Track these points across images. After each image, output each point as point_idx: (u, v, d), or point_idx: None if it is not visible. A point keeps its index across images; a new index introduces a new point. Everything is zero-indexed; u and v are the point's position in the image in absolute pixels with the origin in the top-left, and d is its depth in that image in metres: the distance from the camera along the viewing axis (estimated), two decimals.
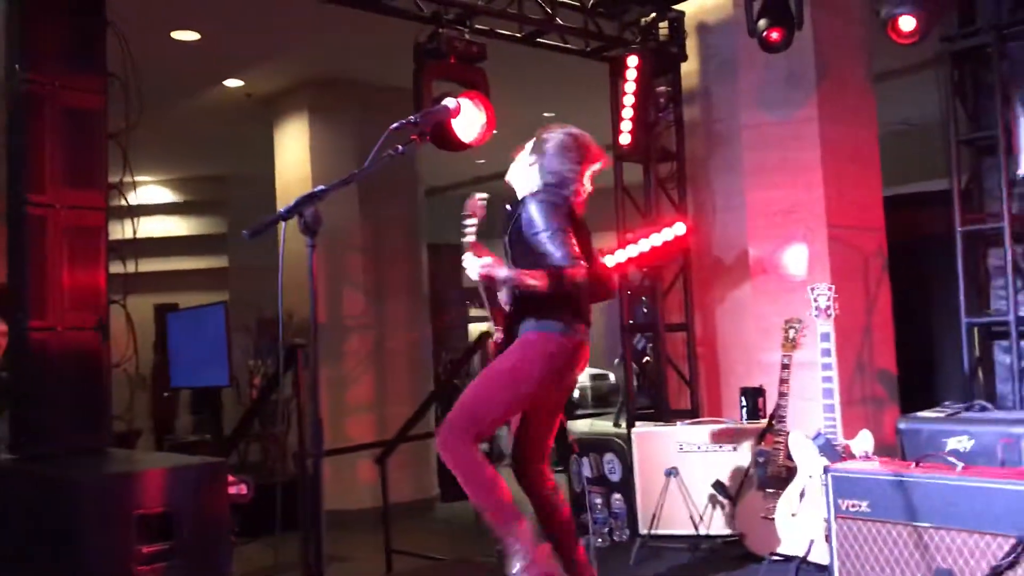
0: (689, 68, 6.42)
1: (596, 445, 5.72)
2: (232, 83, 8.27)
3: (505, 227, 3.81)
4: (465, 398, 3.53)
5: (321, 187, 2.39)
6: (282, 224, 2.34)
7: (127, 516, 3.13)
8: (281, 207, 2.29)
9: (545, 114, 9.68)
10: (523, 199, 3.77)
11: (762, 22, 5.34)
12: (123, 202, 4.17)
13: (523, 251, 3.61)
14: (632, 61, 5.94)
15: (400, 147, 2.54)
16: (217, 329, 6.70)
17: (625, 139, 6.06)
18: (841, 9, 6.02)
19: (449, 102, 2.71)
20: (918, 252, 6.62)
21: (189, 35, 6.86)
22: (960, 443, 4.06)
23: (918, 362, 6.47)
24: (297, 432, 5.19)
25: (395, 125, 2.57)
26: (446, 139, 4.95)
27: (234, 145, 10.25)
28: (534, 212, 3.59)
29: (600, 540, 5.36)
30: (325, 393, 8.17)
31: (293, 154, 8.77)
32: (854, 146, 6.14)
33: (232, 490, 4.01)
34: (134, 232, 4.37)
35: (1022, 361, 5.58)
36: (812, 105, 5.92)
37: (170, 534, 3.23)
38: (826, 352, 4.45)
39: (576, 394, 18.17)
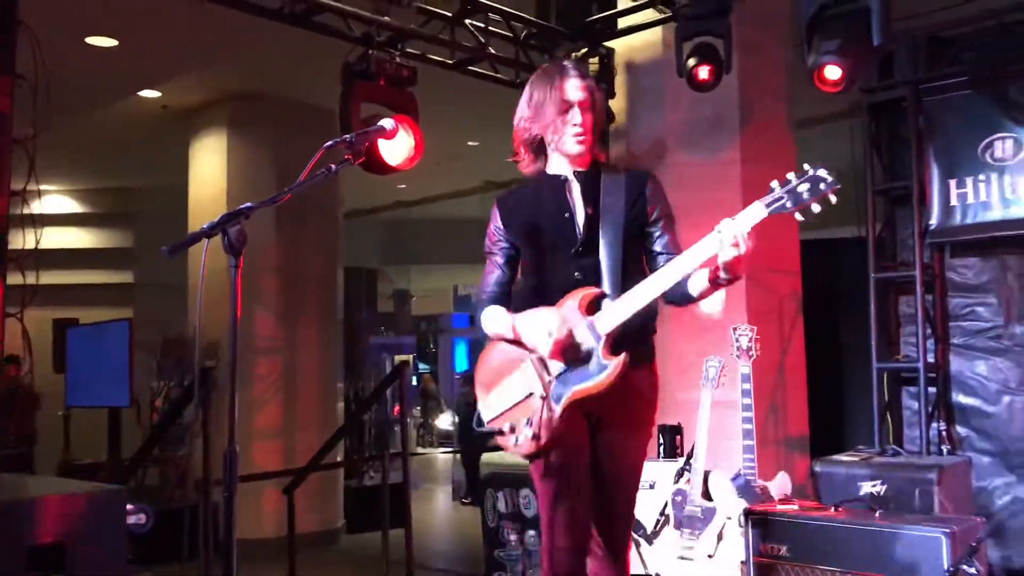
0: (617, 105, 6.46)
1: (512, 479, 5.63)
2: (148, 94, 8.00)
3: (601, 208, 2.79)
4: (619, 526, 2.81)
5: (248, 204, 2.27)
6: (204, 241, 2.21)
7: (17, 547, 2.90)
8: (193, 222, 2.17)
9: (470, 143, 9.68)
10: (636, 174, 2.89)
11: (691, 60, 5.40)
12: (26, 211, 3.94)
13: (640, 244, 2.82)
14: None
15: (333, 166, 2.44)
16: (120, 347, 6.43)
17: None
18: (766, 55, 6.14)
19: (386, 123, 2.62)
20: (831, 297, 6.77)
21: (106, 41, 6.60)
22: (874, 487, 4.12)
23: (828, 405, 6.58)
24: (202, 458, 4.96)
25: (329, 143, 2.47)
26: (373, 162, 4.85)
27: (146, 157, 9.94)
28: (660, 189, 2.87)
29: None
30: (228, 417, 7.87)
31: (209, 169, 8.53)
32: None
33: (131, 519, 3.79)
34: (36, 242, 4.14)
35: (929, 407, 5.74)
36: (735, 148, 6.01)
37: (62, 566, 3.01)
38: (747, 392, 4.47)
39: None
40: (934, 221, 5.80)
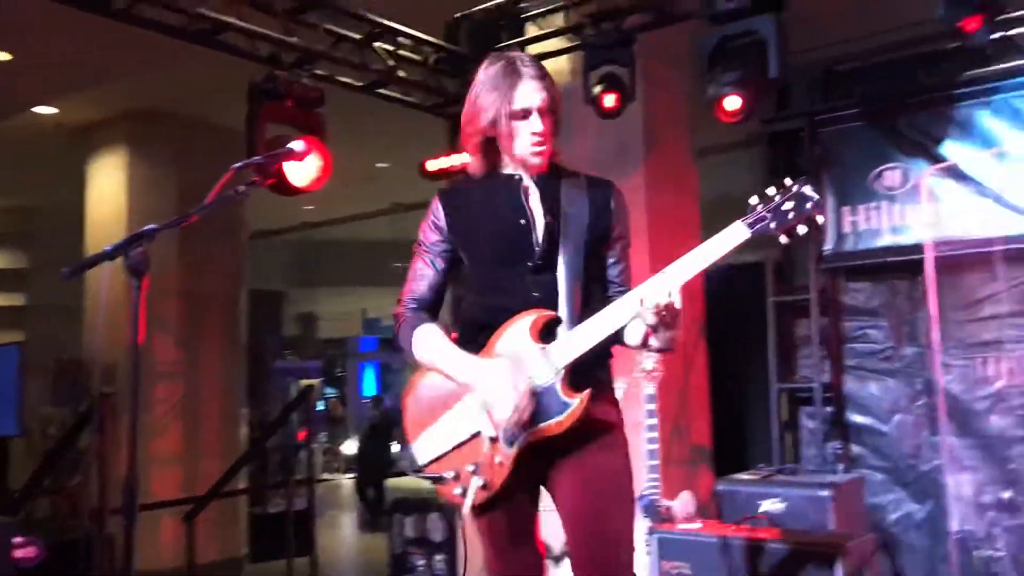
0: None
1: (419, 504, 5.60)
2: (44, 110, 7.75)
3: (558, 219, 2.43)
4: (622, 550, 2.39)
5: (152, 226, 2.22)
6: (105, 263, 2.15)
7: None
8: (91, 243, 2.08)
9: (378, 164, 9.65)
10: (599, 182, 2.58)
11: (597, 88, 5.51)
12: None
13: (597, 262, 2.49)
14: (430, 165, 5.88)
15: (241, 188, 2.40)
16: (9, 372, 6.16)
17: (432, 165, 5.99)
18: (669, 85, 6.32)
19: (296, 145, 2.58)
20: (733, 320, 6.95)
21: None
22: (773, 504, 4.24)
23: (731, 424, 6.75)
24: (97, 487, 4.78)
25: (238, 165, 2.42)
26: (280, 183, 4.79)
27: (41, 176, 9.59)
28: (625, 205, 2.56)
29: None
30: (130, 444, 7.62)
31: (108, 188, 8.28)
32: (677, 216, 6.41)
33: (18, 553, 3.63)
34: None
35: (826, 426, 5.95)
36: (640, 174, 6.14)
37: None
38: (651, 413, 4.55)
39: (396, 448, 18.03)
40: (829, 247, 6.04)
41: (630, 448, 2.45)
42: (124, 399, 7.48)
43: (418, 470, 2.44)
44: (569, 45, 5.91)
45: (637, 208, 6.06)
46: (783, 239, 2.27)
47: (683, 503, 4.47)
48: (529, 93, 2.38)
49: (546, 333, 2.32)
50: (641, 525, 4.36)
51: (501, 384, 2.26)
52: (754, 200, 2.28)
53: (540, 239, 2.40)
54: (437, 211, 2.52)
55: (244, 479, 8.72)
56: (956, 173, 5.47)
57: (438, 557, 5.43)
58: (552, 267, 2.38)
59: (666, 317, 2.22)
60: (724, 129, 5.75)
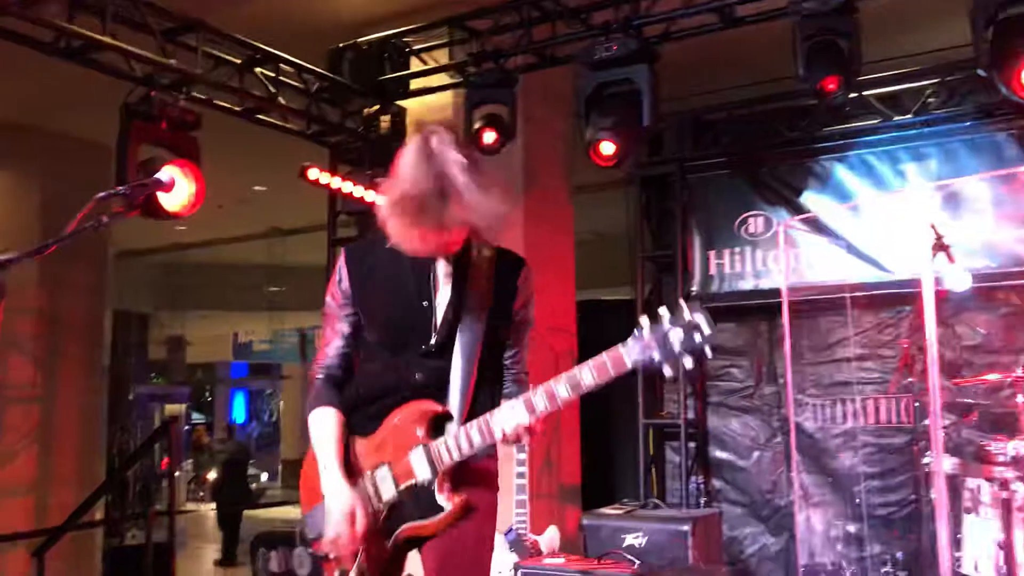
0: None
1: (285, 538, 5.49)
2: None
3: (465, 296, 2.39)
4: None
5: (8, 256, 2.14)
6: None
7: None
8: None
9: (256, 187, 9.48)
10: (517, 260, 2.56)
11: (478, 124, 5.58)
12: None
13: (495, 348, 2.45)
14: (312, 174, 5.77)
15: (105, 218, 2.34)
16: None
17: (313, 174, 5.83)
18: (548, 125, 6.46)
19: (163, 175, 2.50)
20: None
21: None
22: (636, 539, 4.35)
23: (600, 458, 6.89)
24: None
25: (102, 195, 2.35)
26: (151, 208, 4.66)
27: None
28: (530, 284, 2.53)
29: None
30: None
31: None
32: (553, 252, 6.54)
33: None
34: None
35: (689, 460, 6.15)
36: (518, 210, 6.25)
37: None
38: (520, 448, 4.62)
39: (264, 478, 17.56)
40: (695, 287, 6.28)
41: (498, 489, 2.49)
42: None
43: (305, 543, 2.46)
44: (452, 81, 5.98)
45: (513, 244, 6.13)
46: (667, 371, 2.10)
47: (549, 538, 4.54)
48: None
49: (436, 427, 2.32)
50: (508, 559, 4.41)
51: (340, 515, 2.28)
52: (644, 322, 2.11)
53: (438, 325, 2.36)
54: (342, 273, 2.47)
55: (101, 510, 8.35)
56: (814, 224, 5.80)
57: None
58: (447, 353, 2.36)
59: (522, 442, 2.24)
60: (601, 169, 5.94)
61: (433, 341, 2.35)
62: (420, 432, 2.30)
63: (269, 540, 5.51)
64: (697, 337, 2.05)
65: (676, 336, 2.06)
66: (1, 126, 7.59)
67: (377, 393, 2.40)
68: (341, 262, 2.48)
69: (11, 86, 6.67)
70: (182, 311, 14.64)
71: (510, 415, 2.19)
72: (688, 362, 2.07)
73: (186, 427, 17.70)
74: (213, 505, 11.68)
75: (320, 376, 2.48)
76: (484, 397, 2.34)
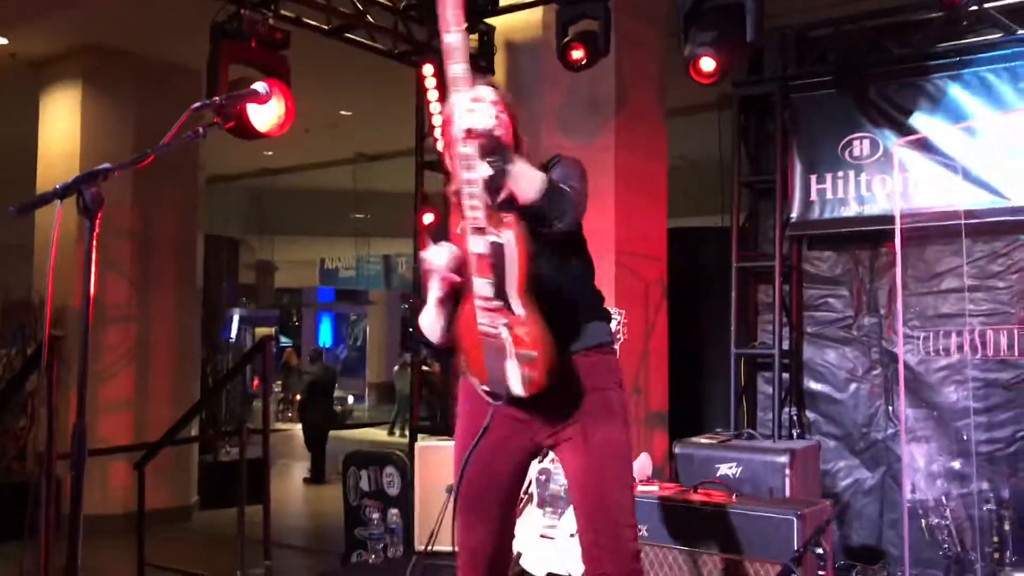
0: (496, 82, 6.42)
1: (376, 458, 5.56)
2: None
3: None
4: (625, 505, 2.50)
5: (107, 165, 2.11)
6: (56, 202, 2.04)
7: None
8: (42, 181, 1.98)
9: (342, 112, 9.45)
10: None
11: (569, 41, 5.41)
12: None
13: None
14: (428, 69, 5.81)
15: (201, 129, 2.29)
16: None
17: (441, 146, 5.95)
18: (643, 43, 6.23)
19: (259, 86, 2.46)
20: (695, 283, 6.95)
21: None
22: (731, 469, 4.25)
23: (689, 387, 6.78)
24: (46, 431, 4.66)
25: (198, 105, 2.31)
26: (241, 126, 4.65)
27: None
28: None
29: (373, 556, 5.19)
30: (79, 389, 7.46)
31: (61, 125, 8.01)
32: (645, 177, 6.37)
33: None
34: None
35: (782, 391, 5.98)
36: (610, 133, 6.08)
37: None
38: None
39: (351, 400, 17.96)
40: (794, 214, 6.02)
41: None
42: (74, 342, 7.36)
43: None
44: None
45: (604, 168, 6.00)
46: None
47: (640, 465, 4.47)
48: None
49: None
50: None
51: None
52: None
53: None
54: None
55: (196, 427, 8.63)
56: (924, 145, 5.47)
57: (393, 511, 5.41)
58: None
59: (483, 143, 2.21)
60: (694, 91, 5.70)
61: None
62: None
63: (361, 459, 5.58)
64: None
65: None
66: (95, 49, 7.69)
67: None
68: None
69: (104, 10, 6.72)
70: (270, 236, 14.89)
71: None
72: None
73: (275, 350, 18.14)
74: (300, 426, 12.00)
75: None
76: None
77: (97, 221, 2.07)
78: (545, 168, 2.52)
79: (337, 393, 15.04)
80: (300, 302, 21.40)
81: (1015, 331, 5.08)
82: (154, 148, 2.24)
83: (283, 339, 20.40)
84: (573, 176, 2.54)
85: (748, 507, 3.55)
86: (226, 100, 2.41)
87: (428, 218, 6.17)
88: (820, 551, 3.12)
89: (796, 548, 3.28)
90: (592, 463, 2.45)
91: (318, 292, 20.79)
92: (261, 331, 17.63)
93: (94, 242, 2.07)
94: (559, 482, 4.60)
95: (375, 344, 20.46)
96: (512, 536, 2.65)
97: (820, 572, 3.13)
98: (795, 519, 3.37)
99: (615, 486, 2.47)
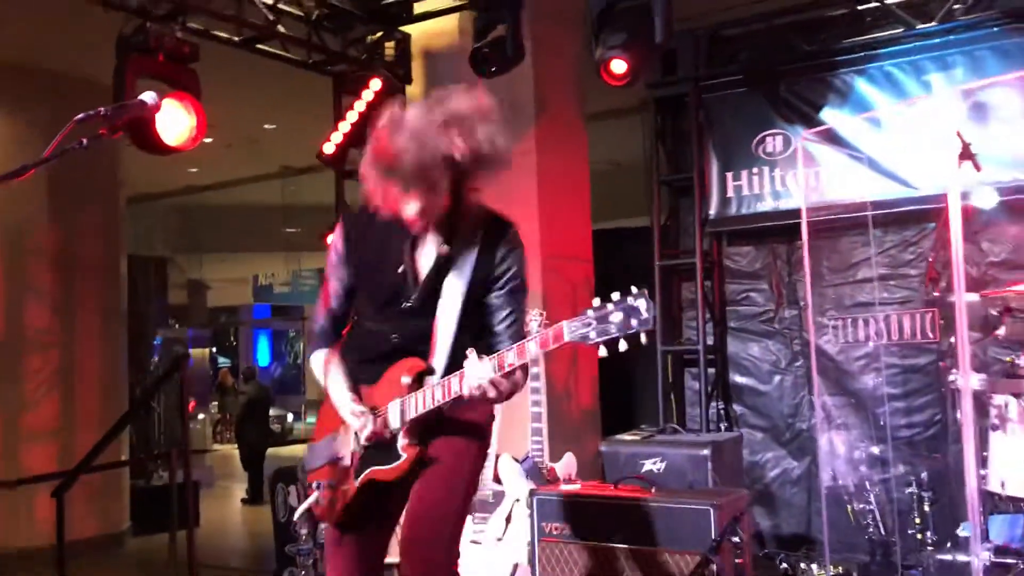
0: (413, 91, 6.42)
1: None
2: None
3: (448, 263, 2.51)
4: (443, 518, 2.55)
5: None
6: None
7: None
8: None
9: (265, 125, 9.36)
10: (506, 227, 2.58)
11: (476, 46, 5.41)
12: None
13: (480, 310, 2.55)
14: (375, 84, 5.80)
15: (84, 140, 2.25)
16: None
17: (329, 148, 5.92)
18: (560, 49, 6.27)
19: (147, 96, 2.42)
20: (621, 283, 7.00)
21: None
22: (655, 464, 4.29)
23: (618, 386, 6.82)
24: None
25: (81, 116, 2.27)
26: (148, 140, 4.58)
27: None
28: (520, 249, 2.58)
29: (303, 572, 5.12)
30: None
31: None
32: (568, 180, 6.40)
33: None
34: None
35: (708, 386, 6.07)
36: (530, 138, 6.10)
37: None
38: (536, 377, 4.55)
39: (290, 418, 17.75)
40: (713, 211, 6.12)
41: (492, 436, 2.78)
42: None
43: (303, 472, 2.79)
44: (458, 3, 5.80)
45: (526, 172, 6.02)
46: (602, 351, 2.20)
47: (565, 464, 4.49)
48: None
49: (419, 381, 2.48)
50: (525, 487, 4.38)
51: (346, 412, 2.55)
52: (596, 302, 2.22)
53: (419, 285, 2.51)
54: (338, 237, 2.67)
55: (126, 451, 8.44)
56: (833, 139, 5.60)
57: (323, 526, 5.33)
58: (430, 314, 2.51)
59: (487, 397, 2.32)
60: (616, 94, 5.75)
61: (411, 303, 2.51)
62: (405, 382, 2.47)
63: (288, 475, 5.50)
64: (633, 321, 2.13)
65: (616, 319, 2.15)
66: (6, 68, 7.48)
67: (371, 349, 2.59)
68: (338, 228, 2.69)
69: (11, 27, 6.55)
70: (200, 254, 14.65)
71: (476, 369, 2.29)
72: (623, 344, 2.15)
73: (212, 370, 17.85)
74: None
75: (316, 329, 2.76)
76: (463, 355, 2.39)
77: None
78: (502, 240, 2.53)
79: (276, 411, 14.83)
80: (236, 321, 21.09)
81: (924, 315, 5.22)
82: (35, 161, 2.19)
83: (220, 359, 20.08)
84: (522, 306, 2.60)
85: (666, 499, 3.58)
86: (112, 111, 2.37)
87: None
88: (737, 539, 3.16)
89: (714, 537, 3.32)
90: None
91: (254, 309, 20.54)
92: (196, 352, 17.31)
93: None
94: (486, 487, 4.59)
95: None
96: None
97: (737, 560, 3.17)
98: (711, 509, 3.41)
99: None
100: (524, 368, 2.41)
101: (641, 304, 2.15)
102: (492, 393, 2.29)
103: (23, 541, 6.83)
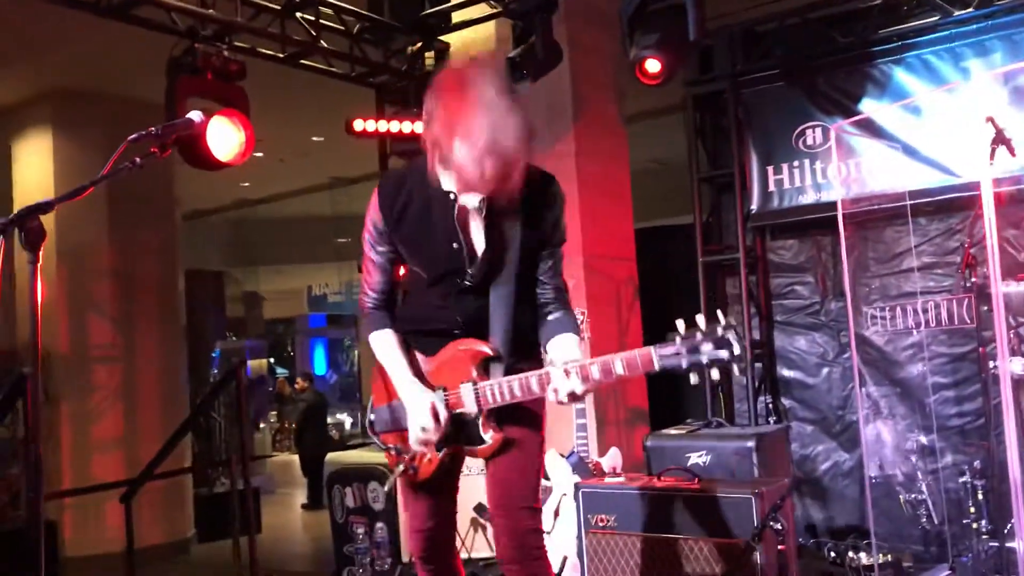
0: None
1: (359, 474, 5.63)
2: None
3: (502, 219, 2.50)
4: (527, 487, 2.66)
5: (46, 199, 2.21)
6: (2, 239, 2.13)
7: None
8: None
9: (314, 138, 9.56)
10: (546, 182, 2.59)
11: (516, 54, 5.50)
12: None
13: (531, 271, 2.59)
14: (358, 125, 5.81)
15: (138, 159, 2.39)
16: None
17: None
18: (597, 51, 6.35)
19: (194, 115, 2.55)
20: (665, 280, 7.05)
21: None
22: (700, 457, 4.34)
23: (666, 383, 6.86)
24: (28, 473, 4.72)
25: (133, 136, 2.41)
26: (200, 157, 4.75)
27: None
28: (561, 205, 2.62)
29: (361, 571, 5.26)
30: (68, 429, 7.58)
31: (34, 171, 8.10)
32: (608, 181, 6.47)
33: None
34: None
35: (756, 381, 6.08)
36: (570, 141, 6.19)
37: None
38: None
39: (348, 424, 18.01)
40: (754, 206, 6.14)
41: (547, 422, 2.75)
42: (58, 382, 7.42)
43: (372, 430, 2.76)
44: (494, 11, 5.90)
45: (567, 175, 6.11)
46: (693, 378, 2.26)
47: (611, 459, 4.56)
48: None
49: (485, 366, 2.54)
50: (571, 481, 4.45)
51: (416, 419, 2.54)
52: (681, 327, 2.25)
53: (473, 263, 2.52)
54: (375, 211, 2.59)
55: (188, 460, 8.68)
56: (871, 128, 5.59)
57: (379, 525, 5.48)
58: (483, 293, 2.54)
59: (571, 403, 2.41)
60: (655, 94, 5.81)
61: (469, 281, 2.53)
62: (472, 370, 2.52)
63: (344, 477, 5.65)
64: (724, 354, 2.17)
65: (706, 349, 2.18)
66: (63, 93, 7.79)
67: (430, 320, 2.62)
68: (374, 199, 2.60)
69: (69, 54, 6.83)
70: (254, 267, 14.96)
71: (564, 383, 2.34)
72: (715, 374, 2.20)
73: (268, 379, 18.17)
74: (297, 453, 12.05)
75: (369, 306, 2.70)
76: (525, 328, 2.54)
77: (39, 253, 2.16)
78: (538, 215, 2.54)
79: (333, 419, 15.07)
80: (292, 331, 21.45)
81: (963, 301, 5.18)
82: (93, 180, 2.34)
83: (278, 370, 20.45)
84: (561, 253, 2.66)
85: (708, 489, 3.64)
86: (162, 130, 2.50)
87: None
88: (779, 527, 3.21)
89: (755, 525, 3.37)
90: None
91: (309, 319, 20.88)
92: (255, 363, 17.66)
93: (38, 274, 2.16)
94: None
95: (368, 366, 20.44)
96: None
97: (780, 547, 3.22)
98: (753, 498, 3.46)
99: None
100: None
101: (731, 336, 2.19)
102: (575, 405, 2.42)
103: (94, 548, 7.08)
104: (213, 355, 11.51)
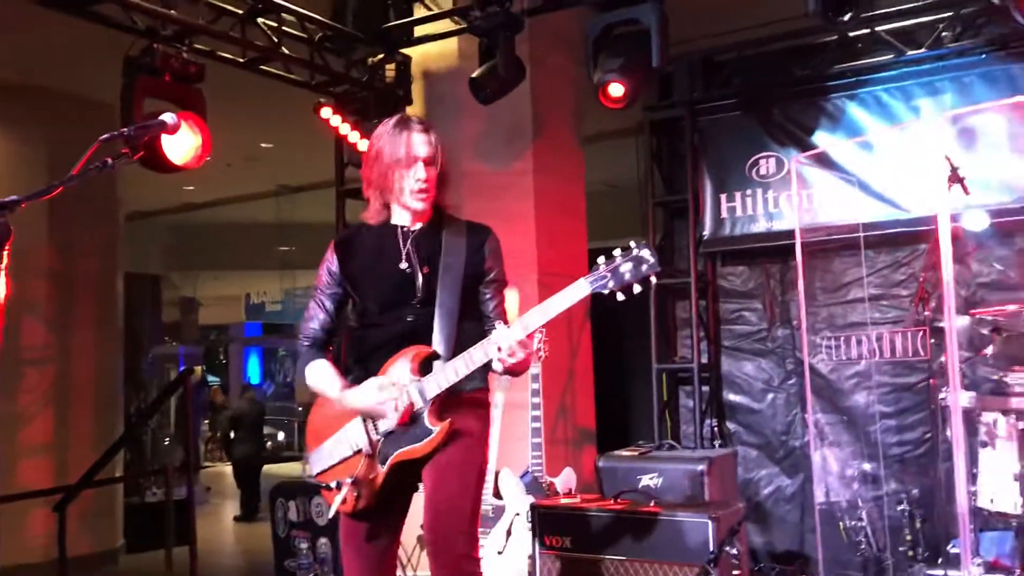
0: (414, 112, 6.51)
1: (305, 488, 5.53)
2: None
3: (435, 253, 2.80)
4: (461, 512, 2.69)
5: (14, 197, 2.12)
6: None
7: None
8: None
9: (263, 144, 9.43)
10: (477, 229, 2.87)
11: (478, 73, 5.50)
12: None
13: (474, 299, 2.82)
14: (325, 112, 5.90)
15: (110, 160, 2.32)
16: None
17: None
18: (558, 72, 6.38)
19: (168, 117, 2.49)
20: (616, 303, 7.09)
21: None
22: (652, 479, 4.37)
23: (615, 404, 6.92)
24: None
25: (106, 136, 2.33)
26: (156, 159, 4.64)
27: None
28: (498, 249, 2.90)
29: None
30: None
31: None
32: (564, 200, 6.50)
33: None
34: None
35: (703, 404, 6.15)
36: (528, 158, 6.20)
37: None
38: (535, 392, 4.63)
39: (281, 436, 17.72)
40: (707, 232, 6.23)
41: (490, 441, 2.98)
42: None
43: (311, 476, 2.86)
44: (458, 27, 5.90)
45: (524, 192, 6.12)
46: (620, 296, 2.48)
47: (565, 479, 4.56)
48: (417, 144, 2.71)
49: (424, 366, 2.67)
50: (525, 501, 4.44)
51: (369, 394, 2.66)
52: (601, 260, 2.50)
53: (419, 286, 2.73)
54: (331, 259, 2.85)
55: (120, 468, 8.44)
56: (825, 162, 5.72)
57: (322, 540, 5.38)
58: (430, 306, 2.72)
59: (518, 359, 2.54)
60: (613, 117, 5.85)
61: (416, 302, 2.72)
62: (412, 371, 2.64)
63: (287, 490, 5.55)
64: (643, 267, 2.45)
65: (627, 268, 2.45)
66: (6, 87, 7.55)
67: (377, 344, 2.77)
68: (330, 250, 2.88)
69: (13, 45, 6.62)
70: (194, 272, 14.67)
71: (506, 333, 2.51)
72: (636, 288, 2.46)
73: (202, 388, 17.81)
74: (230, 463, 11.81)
75: (304, 344, 2.88)
76: (467, 339, 2.66)
77: (6, 252, 2.09)
78: (476, 247, 2.79)
79: (267, 429, 14.79)
80: (227, 339, 21.06)
81: (915, 334, 5.31)
82: (63, 180, 2.26)
83: (210, 377, 20.05)
84: (503, 293, 2.87)
85: (664, 513, 3.65)
86: (134, 131, 2.44)
87: None
88: (734, 551, 3.23)
89: (711, 549, 3.39)
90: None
91: (245, 327, 20.52)
92: (189, 369, 17.30)
93: (3, 273, 2.08)
94: (486, 502, 4.65)
95: (304, 378, 20.01)
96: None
97: (735, 572, 3.24)
98: (710, 522, 3.48)
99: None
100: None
101: (645, 252, 2.46)
102: (521, 354, 2.50)
103: (15, 558, 6.82)
104: (153, 359, 11.25)
